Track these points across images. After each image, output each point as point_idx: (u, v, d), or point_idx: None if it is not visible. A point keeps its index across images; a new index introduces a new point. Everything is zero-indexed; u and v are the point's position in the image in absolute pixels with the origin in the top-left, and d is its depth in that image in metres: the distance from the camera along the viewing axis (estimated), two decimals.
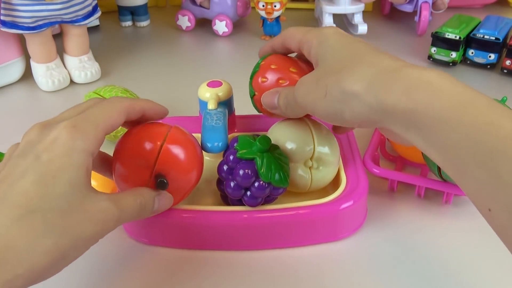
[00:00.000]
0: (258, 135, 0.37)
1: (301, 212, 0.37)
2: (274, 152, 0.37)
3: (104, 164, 0.35)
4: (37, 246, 0.25)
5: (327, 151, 0.39)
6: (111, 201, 0.29)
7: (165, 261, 0.38)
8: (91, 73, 0.64)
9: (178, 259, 0.38)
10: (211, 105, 0.41)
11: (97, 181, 0.43)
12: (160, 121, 0.36)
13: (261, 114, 0.41)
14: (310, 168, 0.39)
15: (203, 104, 0.43)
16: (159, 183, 0.33)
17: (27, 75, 0.64)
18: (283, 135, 0.39)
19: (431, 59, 0.67)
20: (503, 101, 0.42)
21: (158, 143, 0.33)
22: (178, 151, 0.34)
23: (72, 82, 0.64)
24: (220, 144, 0.37)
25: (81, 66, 0.64)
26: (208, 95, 0.42)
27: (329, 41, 0.33)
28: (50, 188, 0.26)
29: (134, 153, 0.33)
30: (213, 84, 0.43)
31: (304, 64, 0.38)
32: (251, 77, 0.40)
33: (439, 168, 0.40)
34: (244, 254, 0.38)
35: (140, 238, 0.39)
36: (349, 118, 0.30)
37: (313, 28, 0.36)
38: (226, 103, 0.43)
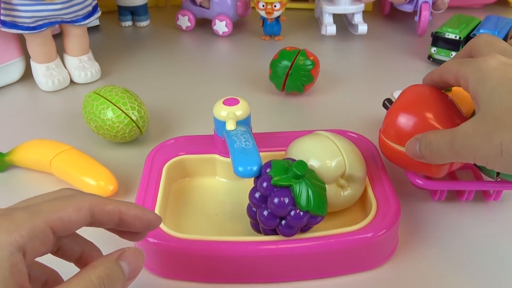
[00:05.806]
0: (291, 160, 0.35)
1: (332, 241, 0.34)
2: (310, 178, 0.34)
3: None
4: None
5: (357, 167, 0.36)
6: None
7: None
8: (91, 73, 0.64)
9: None
10: (230, 126, 0.38)
11: (97, 181, 0.43)
12: None
13: (281, 132, 0.42)
14: (341, 187, 0.37)
15: (219, 123, 0.40)
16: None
17: (27, 75, 0.64)
18: (307, 154, 0.37)
19: (431, 59, 0.67)
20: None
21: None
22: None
23: (72, 82, 0.64)
24: (255, 168, 0.34)
25: (81, 66, 0.64)
26: (225, 113, 0.39)
27: (491, 82, 0.30)
28: None
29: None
30: (229, 102, 0.40)
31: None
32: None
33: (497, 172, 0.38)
34: (273, 286, 0.36)
35: (161, 273, 0.36)
36: None
37: (467, 60, 0.33)
38: (244, 122, 0.40)
